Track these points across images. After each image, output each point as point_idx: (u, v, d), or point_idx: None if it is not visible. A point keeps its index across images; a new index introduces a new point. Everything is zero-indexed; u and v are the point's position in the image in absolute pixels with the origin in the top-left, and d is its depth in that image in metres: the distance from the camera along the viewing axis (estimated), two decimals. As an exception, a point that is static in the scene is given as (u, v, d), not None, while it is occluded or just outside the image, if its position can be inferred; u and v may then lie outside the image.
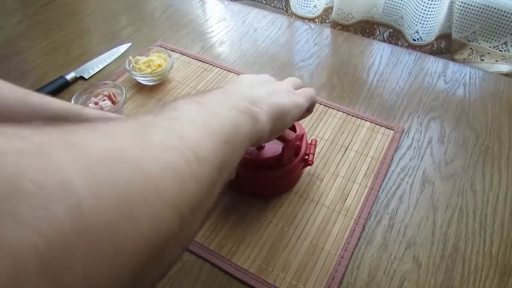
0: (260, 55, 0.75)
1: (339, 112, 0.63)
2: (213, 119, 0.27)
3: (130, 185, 0.18)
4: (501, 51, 0.72)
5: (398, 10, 0.78)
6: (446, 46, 0.80)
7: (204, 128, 0.25)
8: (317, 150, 0.56)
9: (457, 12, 0.72)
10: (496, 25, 0.70)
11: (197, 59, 0.74)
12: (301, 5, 0.86)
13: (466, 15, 0.72)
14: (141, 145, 0.20)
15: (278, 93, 0.37)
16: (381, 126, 0.60)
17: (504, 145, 0.58)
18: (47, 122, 0.18)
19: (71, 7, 0.90)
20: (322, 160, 0.56)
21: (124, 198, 0.17)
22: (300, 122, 0.50)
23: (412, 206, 0.51)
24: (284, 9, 0.93)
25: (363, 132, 0.60)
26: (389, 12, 0.80)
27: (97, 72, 0.72)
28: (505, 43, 0.71)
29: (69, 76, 0.69)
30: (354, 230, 0.48)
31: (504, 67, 0.72)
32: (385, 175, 0.54)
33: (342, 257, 0.45)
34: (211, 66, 0.72)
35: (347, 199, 0.51)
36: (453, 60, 0.76)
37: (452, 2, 0.72)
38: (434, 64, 0.72)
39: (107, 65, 0.74)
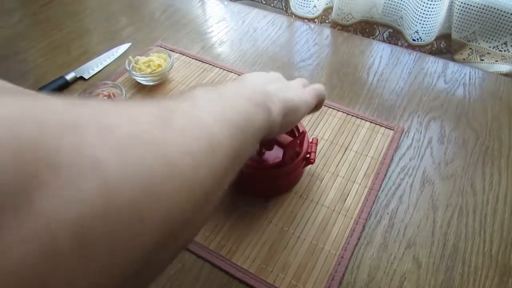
0: (260, 55, 0.75)
1: (339, 112, 0.63)
2: (230, 108, 0.28)
3: (153, 168, 0.19)
4: (501, 51, 0.72)
5: (398, 10, 0.78)
6: (446, 46, 0.80)
7: (221, 116, 0.26)
8: (317, 150, 0.56)
9: (457, 12, 0.72)
10: (496, 25, 0.70)
11: (197, 59, 0.74)
12: (301, 5, 0.86)
13: (466, 15, 0.72)
14: (164, 130, 0.21)
15: (289, 89, 0.39)
16: (381, 126, 0.60)
17: (504, 145, 0.58)
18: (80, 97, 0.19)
19: (71, 7, 0.90)
20: (322, 160, 0.56)
21: (147, 179, 0.18)
22: (301, 121, 0.50)
23: (412, 206, 0.51)
24: (284, 9, 0.93)
25: (363, 132, 0.60)
26: (389, 12, 0.80)
27: (97, 72, 0.72)
28: (505, 43, 0.71)
29: (69, 76, 0.69)
30: (354, 230, 0.48)
31: (504, 67, 0.72)
32: (385, 175, 0.54)
33: (342, 257, 0.45)
34: (211, 66, 0.72)
35: (347, 199, 0.51)
36: (453, 60, 0.76)
37: (452, 2, 0.72)
38: (434, 64, 0.72)
39: (107, 65, 0.74)
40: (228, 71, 0.71)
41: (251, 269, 0.45)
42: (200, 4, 0.90)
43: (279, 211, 0.50)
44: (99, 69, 0.73)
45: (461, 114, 0.63)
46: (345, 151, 0.57)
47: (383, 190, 0.52)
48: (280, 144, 0.46)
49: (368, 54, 0.75)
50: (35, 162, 0.14)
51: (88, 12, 0.88)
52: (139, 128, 0.20)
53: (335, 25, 0.84)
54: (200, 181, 0.22)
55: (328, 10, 0.86)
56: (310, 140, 0.51)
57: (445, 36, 0.79)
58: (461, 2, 0.71)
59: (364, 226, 0.48)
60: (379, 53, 0.75)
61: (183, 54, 0.75)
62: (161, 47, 0.75)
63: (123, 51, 0.76)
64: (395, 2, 0.78)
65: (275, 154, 0.49)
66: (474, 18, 0.71)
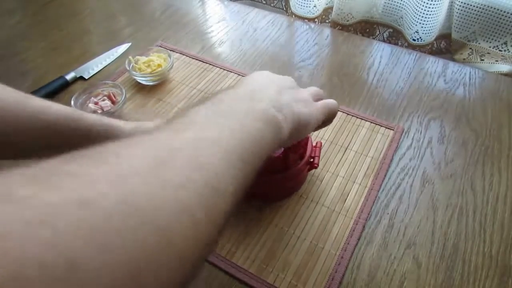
0: (260, 55, 0.75)
1: (339, 112, 0.63)
2: (236, 134, 0.26)
3: (142, 246, 0.16)
4: (501, 51, 0.72)
5: (398, 10, 0.78)
6: (446, 46, 0.80)
7: (223, 149, 0.24)
8: (317, 150, 0.56)
9: (457, 12, 0.72)
10: (496, 25, 0.70)
11: (197, 59, 0.74)
12: (301, 5, 0.86)
13: (466, 15, 0.72)
14: (155, 188, 0.19)
15: (302, 102, 0.36)
16: (381, 126, 0.60)
17: (504, 145, 0.58)
18: (50, 156, 0.17)
19: (71, 7, 0.90)
20: (322, 160, 0.56)
21: (133, 264, 0.16)
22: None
23: (412, 206, 0.51)
24: (284, 9, 0.93)
25: (363, 132, 0.60)
26: (389, 12, 0.80)
27: (97, 72, 0.72)
28: (505, 43, 0.71)
29: (69, 76, 0.69)
30: (354, 230, 0.48)
31: (504, 67, 0.72)
32: (385, 175, 0.54)
33: (342, 257, 0.45)
34: (211, 66, 0.72)
35: (347, 199, 0.51)
36: (453, 60, 0.76)
37: (452, 2, 0.72)
38: (434, 64, 0.72)
39: (107, 65, 0.74)
40: (228, 71, 0.71)
41: (251, 269, 0.45)
42: (200, 4, 0.90)
43: (279, 211, 0.50)
44: (99, 69, 0.73)
45: (461, 114, 0.63)
46: (345, 151, 0.57)
47: (383, 190, 0.52)
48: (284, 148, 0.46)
49: (368, 54, 0.75)
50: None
51: (88, 12, 0.88)
52: (125, 194, 0.17)
53: (335, 25, 0.84)
54: (200, 237, 0.20)
55: (328, 10, 0.86)
56: (314, 144, 0.51)
57: (445, 36, 0.79)
58: (461, 2, 0.71)
59: (364, 226, 0.48)
60: (379, 53, 0.75)
61: (183, 54, 0.75)
62: (161, 47, 0.75)
63: (123, 51, 0.76)
64: (395, 2, 0.78)
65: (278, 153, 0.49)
66: (474, 18, 0.71)
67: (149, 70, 0.67)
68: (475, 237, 0.47)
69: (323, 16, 0.88)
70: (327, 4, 0.85)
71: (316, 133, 0.59)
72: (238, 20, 0.84)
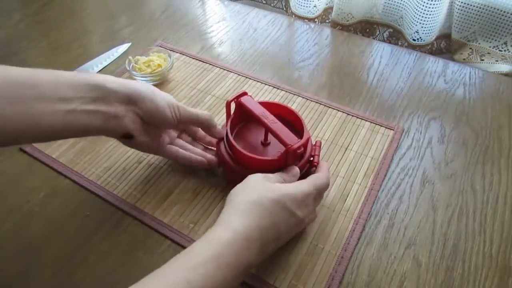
0: (260, 55, 0.75)
1: (339, 112, 0.63)
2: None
3: None
4: (501, 51, 0.72)
5: (398, 10, 0.78)
6: (446, 46, 0.80)
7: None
8: (317, 150, 0.56)
9: (457, 12, 0.72)
10: (496, 25, 0.70)
11: (197, 59, 0.74)
12: (301, 5, 0.86)
13: (466, 15, 0.72)
14: None
15: (294, 230, 0.42)
16: (381, 126, 0.60)
17: (504, 145, 0.58)
18: None
19: (71, 7, 0.90)
20: (322, 160, 0.56)
21: None
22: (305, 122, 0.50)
23: (412, 206, 0.51)
24: (284, 9, 0.93)
25: (363, 132, 0.60)
26: (389, 12, 0.80)
27: (97, 72, 0.72)
28: (505, 43, 0.71)
29: (69, 76, 0.69)
30: (354, 230, 0.48)
31: (504, 67, 0.72)
32: (385, 175, 0.54)
33: (342, 257, 0.45)
34: (211, 66, 0.72)
35: (347, 199, 0.51)
36: (453, 60, 0.76)
37: (452, 2, 0.72)
38: (434, 64, 0.72)
39: (107, 65, 0.74)
40: (228, 71, 0.71)
41: (251, 269, 0.44)
42: (200, 4, 0.90)
43: (279, 211, 0.50)
44: (99, 69, 0.73)
45: (461, 114, 0.63)
46: (345, 151, 0.57)
47: (383, 190, 0.52)
48: (284, 143, 0.46)
49: (368, 54, 0.75)
50: None
51: (88, 12, 0.88)
52: None
53: (335, 25, 0.84)
54: None
55: (328, 10, 0.86)
56: (314, 143, 0.51)
57: (445, 36, 0.79)
58: (461, 2, 0.71)
59: (364, 226, 0.48)
60: (379, 53, 0.75)
61: (183, 54, 0.75)
62: (161, 47, 0.75)
63: (123, 51, 0.76)
64: (395, 2, 0.78)
65: (279, 148, 0.49)
66: (474, 18, 0.71)
67: (149, 70, 0.67)
68: (475, 237, 0.47)
69: (323, 16, 0.88)
70: (327, 4, 0.85)
71: (316, 133, 0.59)
72: (238, 20, 0.84)
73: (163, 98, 0.47)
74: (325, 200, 0.51)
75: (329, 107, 0.63)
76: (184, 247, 0.47)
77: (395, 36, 0.82)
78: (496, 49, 0.73)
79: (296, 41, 0.79)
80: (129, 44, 0.78)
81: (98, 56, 0.74)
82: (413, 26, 0.75)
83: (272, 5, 0.96)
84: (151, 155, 0.57)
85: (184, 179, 0.54)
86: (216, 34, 0.81)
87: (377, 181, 0.53)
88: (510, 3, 0.67)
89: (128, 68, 0.66)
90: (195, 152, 0.52)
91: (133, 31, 0.82)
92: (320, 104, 0.64)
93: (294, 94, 0.66)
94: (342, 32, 0.81)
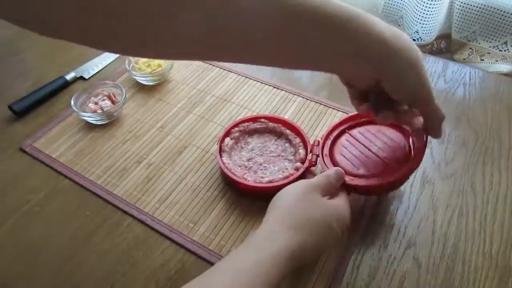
0: (260, 55, 0.75)
1: (339, 112, 0.63)
2: None
3: None
4: (501, 51, 0.72)
5: (398, 10, 0.78)
6: (446, 46, 0.80)
7: None
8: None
9: (457, 12, 0.72)
10: (496, 25, 0.70)
11: (197, 59, 0.74)
12: (301, 5, 0.86)
13: (466, 15, 0.72)
14: None
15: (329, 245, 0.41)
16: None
17: (504, 145, 0.58)
18: None
19: (71, 7, 0.89)
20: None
21: None
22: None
23: (412, 206, 0.51)
24: (284, 9, 0.93)
25: (363, 132, 0.59)
26: (389, 12, 0.80)
27: (97, 72, 0.72)
28: (505, 43, 0.71)
29: (69, 76, 0.69)
30: (354, 230, 0.48)
31: (504, 67, 0.72)
32: (385, 175, 0.54)
33: (342, 257, 0.45)
34: (211, 66, 0.72)
35: (347, 199, 0.51)
36: (453, 60, 0.76)
37: (452, 2, 0.72)
38: (434, 64, 0.72)
39: (107, 65, 0.74)
40: (228, 71, 0.71)
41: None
42: (200, 4, 0.89)
43: (279, 211, 0.50)
44: (99, 69, 0.72)
45: (461, 114, 0.63)
46: (345, 151, 0.57)
47: (383, 190, 0.52)
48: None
49: (368, 54, 0.74)
50: None
51: (88, 12, 0.88)
52: None
53: (335, 25, 0.84)
54: None
55: (328, 10, 0.86)
56: (312, 142, 0.51)
57: (445, 36, 0.79)
58: (461, 2, 0.71)
59: (364, 226, 0.48)
60: (379, 53, 0.75)
61: (183, 54, 0.75)
62: (161, 47, 0.75)
63: (123, 51, 0.76)
64: (395, 2, 0.78)
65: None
66: (474, 18, 0.71)
67: (149, 70, 0.67)
68: (475, 237, 0.47)
69: (323, 16, 0.87)
70: (327, 4, 0.84)
71: (316, 133, 0.59)
72: (238, 20, 0.84)
73: None
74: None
75: (329, 107, 0.63)
76: (184, 247, 0.47)
77: (395, 36, 0.82)
78: (496, 49, 0.73)
79: (296, 41, 0.78)
80: (129, 44, 0.78)
81: (98, 56, 0.74)
82: (413, 26, 0.75)
83: (272, 5, 0.96)
84: (151, 155, 0.57)
85: (184, 179, 0.54)
86: (216, 34, 0.80)
87: (377, 181, 0.53)
88: (510, 3, 0.67)
89: (128, 68, 0.66)
90: None
91: (133, 31, 0.82)
92: (320, 104, 0.64)
93: (294, 94, 0.66)
94: (342, 32, 0.81)
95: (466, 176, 0.54)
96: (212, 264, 0.45)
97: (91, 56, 0.74)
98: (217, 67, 0.72)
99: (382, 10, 0.80)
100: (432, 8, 0.71)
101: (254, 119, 0.56)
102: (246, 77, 0.69)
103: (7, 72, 0.72)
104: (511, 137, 0.59)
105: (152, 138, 0.60)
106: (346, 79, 0.41)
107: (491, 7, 0.69)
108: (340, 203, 0.41)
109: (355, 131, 0.51)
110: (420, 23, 0.74)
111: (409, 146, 0.46)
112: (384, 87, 0.36)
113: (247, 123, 0.56)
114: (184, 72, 0.71)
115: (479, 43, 0.74)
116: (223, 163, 0.51)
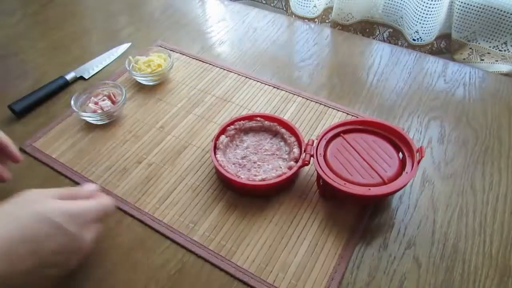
0: (260, 55, 0.75)
1: (339, 112, 0.63)
2: None
3: None
4: (501, 51, 0.72)
5: (398, 10, 0.78)
6: (446, 46, 0.80)
7: None
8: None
9: (457, 12, 0.72)
10: (496, 25, 0.70)
11: (197, 59, 0.74)
12: (301, 5, 0.86)
13: (466, 15, 0.72)
14: None
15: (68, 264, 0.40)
16: (381, 126, 0.60)
17: (504, 145, 0.58)
18: None
19: (71, 7, 0.90)
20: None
21: None
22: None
23: (412, 206, 0.51)
24: (284, 9, 0.93)
25: (363, 132, 0.59)
26: (389, 12, 0.80)
27: (97, 72, 0.72)
28: (505, 43, 0.71)
29: (69, 76, 0.69)
30: (354, 230, 0.48)
31: (504, 67, 0.72)
32: (385, 175, 0.54)
33: (342, 257, 0.45)
34: (211, 66, 0.72)
35: (347, 199, 0.51)
36: (453, 60, 0.76)
37: (452, 2, 0.72)
38: (434, 64, 0.72)
39: (107, 65, 0.74)
40: (228, 71, 0.71)
41: (251, 269, 0.45)
42: (200, 4, 0.90)
43: (279, 211, 0.50)
44: (99, 69, 0.73)
45: (461, 114, 0.63)
46: (345, 151, 0.57)
47: (383, 190, 0.52)
48: None
49: (368, 54, 0.75)
50: None
51: (88, 12, 0.88)
52: None
53: (335, 25, 0.84)
54: None
55: (328, 10, 0.86)
56: (306, 142, 0.52)
57: (445, 36, 0.79)
58: (461, 2, 0.71)
59: (364, 226, 0.48)
60: (379, 53, 0.75)
61: (183, 54, 0.75)
62: (161, 47, 0.75)
63: (123, 51, 0.76)
64: (395, 2, 0.78)
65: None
66: (474, 18, 0.71)
67: (149, 70, 0.67)
68: (475, 237, 0.47)
69: (323, 16, 0.88)
70: (327, 4, 0.85)
71: (316, 133, 0.59)
72: (238, 20, 0.84)
73: None
74: (325, 200, 0.51)
75: (329, 107, 0.63)
76: (184, 247, 0.47)
77: (395, 36, 0.82)
78: (496, 49, 0.73)
79: (296, 41, 0.79)
80: (129, 44, 0.78)
81: (98, 56, 0.74)
82: (413, 26, 0.75)
83: (272, 5, 0.96)
84: (151, 155, 0.57)
85: (184, 179, 0.54)
86: (216, 34, 0.81)
87: (377, 181, 0.53)
88: (510, 3, 0.67)
89: (128, 68, 0.66)
90: None
91: (133, 31, 0.82)
92: (320, 104, 0.64)
93: (294, 94, 0.66)
94: (342, 32, 0.81)
95: (466, 176, 0.54)
96: (212, 264, 0.45)
97: (91, 56, 0.75)
98: (217, 67, 0.72)
99: (382, 10, 0.80)
100: (432, 8, 0.71)
101: (250, 118, 0.56)
102: (246, 77, 0.69)
103: (7, 72, 0.72)
104: (511, 137, 0.59)
105: (152, 138, 0.60)
106: None
107: (491, 7, 0.69)
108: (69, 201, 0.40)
109: (350, 137, 0.52)
110: (420, 23, 0.74)
111: (401, 163, 0.49)
112: None
113: (243, 121, 0.56)
114: (184, 72, 0.71)
115: (479, 43, 0.74)
116: (217, 161, 0.51)
